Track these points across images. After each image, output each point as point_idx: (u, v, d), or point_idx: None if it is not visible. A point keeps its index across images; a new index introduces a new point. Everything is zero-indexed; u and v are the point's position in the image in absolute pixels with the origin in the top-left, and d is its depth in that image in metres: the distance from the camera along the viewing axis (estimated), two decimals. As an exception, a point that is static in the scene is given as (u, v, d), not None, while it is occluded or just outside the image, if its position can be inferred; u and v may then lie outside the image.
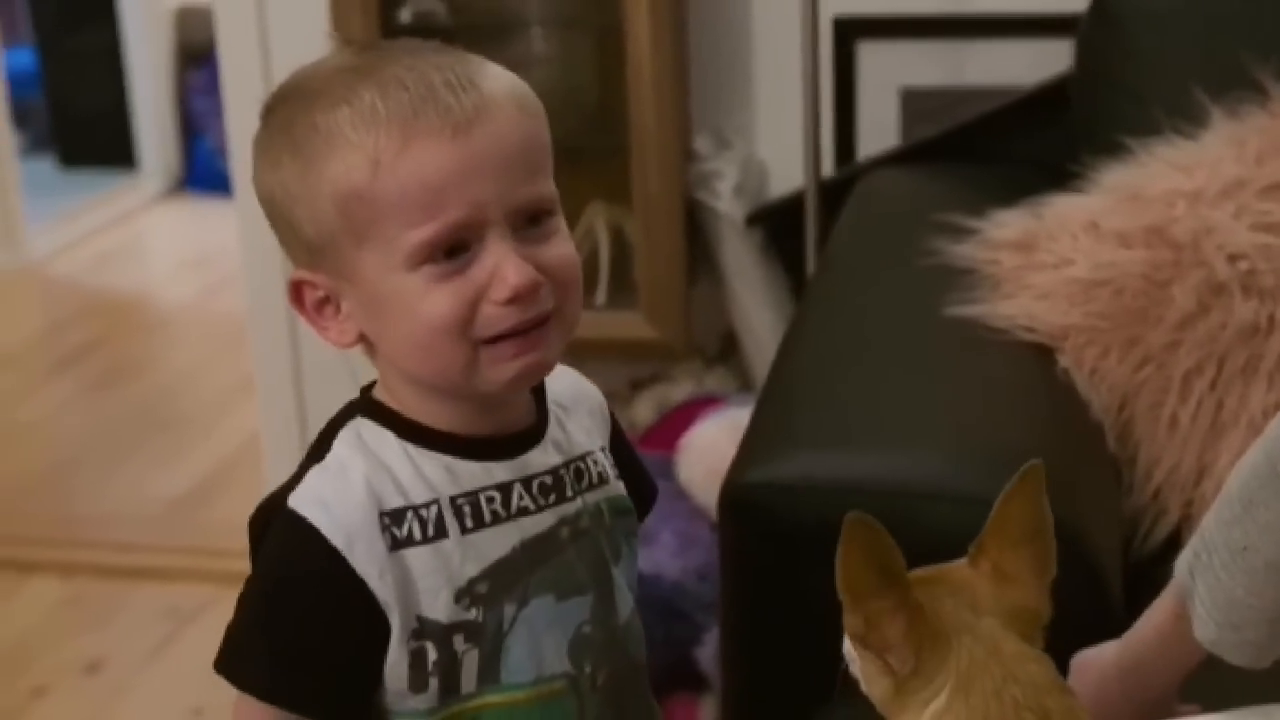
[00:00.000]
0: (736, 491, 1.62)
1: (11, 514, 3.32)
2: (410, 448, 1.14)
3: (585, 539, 1.19)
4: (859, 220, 2.31)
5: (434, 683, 1.13)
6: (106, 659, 2.76)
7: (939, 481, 1.53)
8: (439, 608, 1.12)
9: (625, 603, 1.22)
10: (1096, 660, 1.35)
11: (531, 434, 1.19)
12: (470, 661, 1.13)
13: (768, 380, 1.88)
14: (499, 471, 1.15)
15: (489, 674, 1.14)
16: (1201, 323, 1.87)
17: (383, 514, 1.11)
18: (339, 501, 1.11)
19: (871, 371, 1.80)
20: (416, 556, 1.11)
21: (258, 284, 2.92)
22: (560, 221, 1.14)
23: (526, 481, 1.16)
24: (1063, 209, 2.03)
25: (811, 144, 2.51)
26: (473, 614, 1.13)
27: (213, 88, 4.01)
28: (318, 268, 1.13)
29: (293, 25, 2.76)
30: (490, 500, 1.14)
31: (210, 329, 4.38)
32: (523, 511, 1.15)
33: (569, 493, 1.18)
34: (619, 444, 1.28)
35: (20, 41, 5.64)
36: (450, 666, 1.13)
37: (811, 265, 2.50)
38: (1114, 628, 1.37)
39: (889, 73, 2.57)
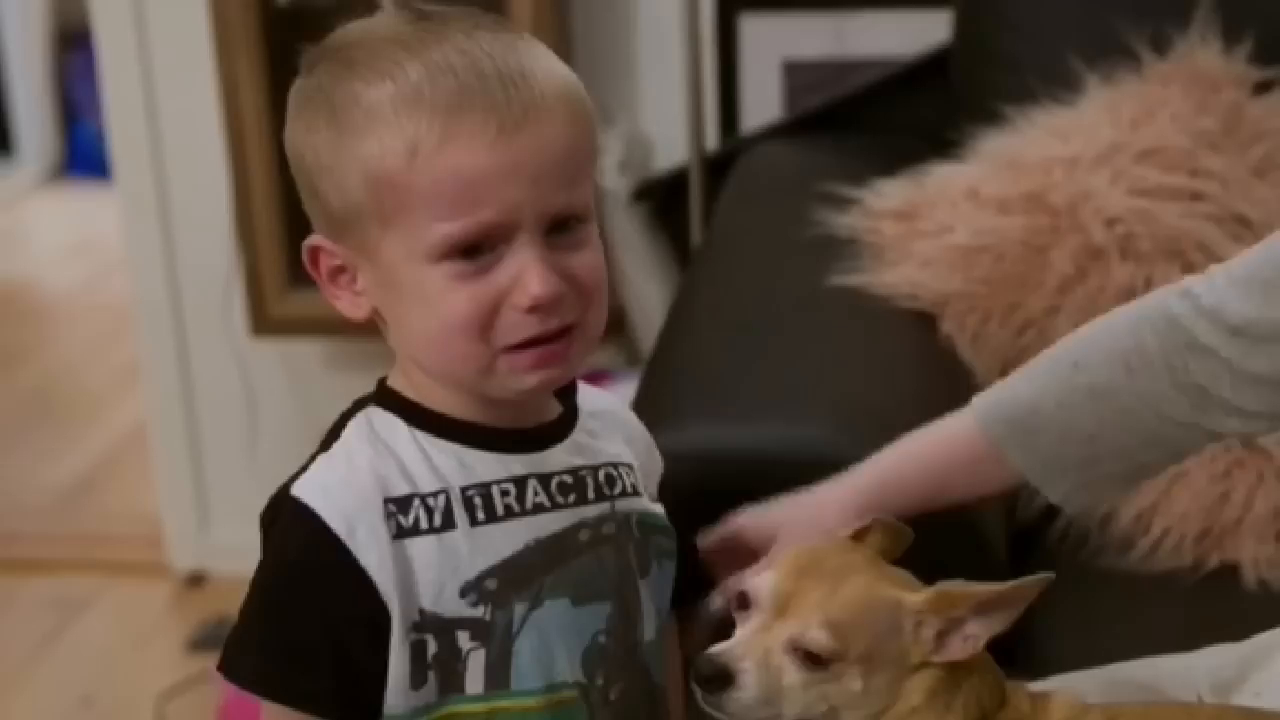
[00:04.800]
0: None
1: (-107, 508, 3.27)
2: (420, 435, 1.11)
3: (608, 545, 1.15)
4: (743, 193, 2.31)
5: (432, 677, 1.09)
6: (-7, 652, 2.72)
7: (824, 450, 1.54)
8: (443, 601, 1.08)
9: (650, 622, 1.18)
10: (830, 494, 1.34)
11: (553, 431, 1.16)
12: (476, 662, 1.09)
13: (653, 354, 1.88)
14: (514, 465, 1.12)
15: (498, 678, 1.10)
16: (1080, 287, 1.90)
17: (388, 500, 1.08)
18: (341, 487, 1.08)
19: (756, 343, 1.81)
20: (420, 546, 1.08)
21: (141, 272, 2.88)
22: (593, 229, 1.10)
23: (544, 478, 1.13)
24: (943, 177, 2.05)
25: (695, 118, 2.52)
26: (480, 611, 1.09)
27: (93, 71, 3.94)
28: (339, 239, 1.10)
29: (169, 5, 2.72)
30: (505, 493, 1.11)
31: (96, 316, 4.31)
32: (538, 509, 1.12)
33: (591, 495, 1.15)
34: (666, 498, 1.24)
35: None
36: (451, 663, 1.09)
37: (697, 239, 2.51)
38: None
39: (771, 45, 2.57)
